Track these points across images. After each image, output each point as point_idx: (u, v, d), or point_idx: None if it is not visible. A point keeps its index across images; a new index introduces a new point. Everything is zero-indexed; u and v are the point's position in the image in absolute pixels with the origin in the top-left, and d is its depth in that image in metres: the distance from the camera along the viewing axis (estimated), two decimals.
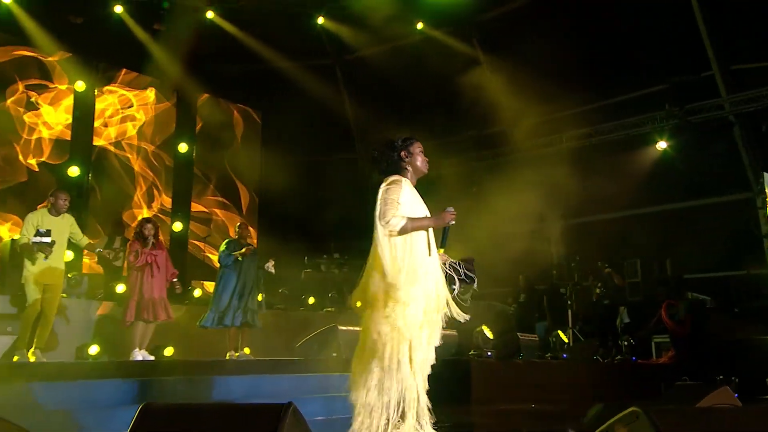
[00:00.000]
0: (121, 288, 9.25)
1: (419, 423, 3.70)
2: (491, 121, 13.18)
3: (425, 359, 3.82)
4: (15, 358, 6.49)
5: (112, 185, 12.32)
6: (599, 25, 11.69)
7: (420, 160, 3.97)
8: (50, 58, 11.49)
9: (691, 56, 11.32)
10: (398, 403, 3.66)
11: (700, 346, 10.30)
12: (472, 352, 8.68)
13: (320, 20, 13.08)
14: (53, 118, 11.67)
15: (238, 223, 8.91)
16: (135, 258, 7.39)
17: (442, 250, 3.97)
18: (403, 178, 3.82)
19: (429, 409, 3.80)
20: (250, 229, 9.01)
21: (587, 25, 11.71)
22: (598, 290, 10.80)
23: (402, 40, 13.27)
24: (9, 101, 11.02)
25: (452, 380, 7.68)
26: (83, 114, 11.99)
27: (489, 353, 8.41)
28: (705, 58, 11.22)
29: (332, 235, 13.28)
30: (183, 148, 13.34)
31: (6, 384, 5.09)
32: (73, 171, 11.58)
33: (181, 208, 13.12)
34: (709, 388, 5.71)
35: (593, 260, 11.35)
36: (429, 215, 3.91)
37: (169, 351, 8.86)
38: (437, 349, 7.63)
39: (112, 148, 12.48)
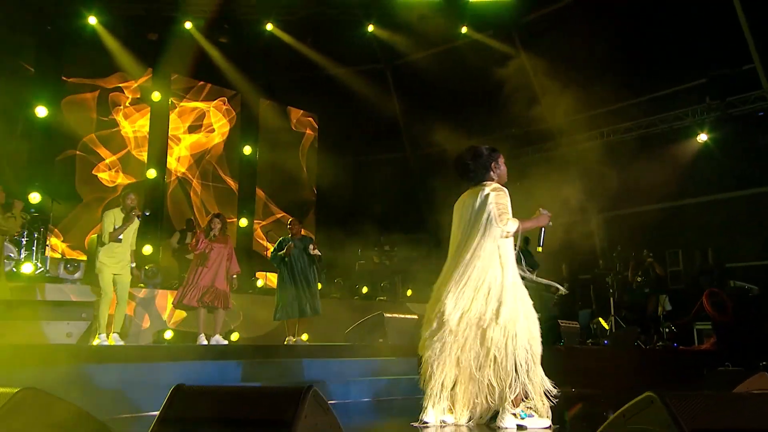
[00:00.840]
0: None
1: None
2: (535, 118, 12.97)
3: None
4: (94, 342, 6.62)
5: (182, 190, 12.76)
6: (639, 20, 11.41)
7: (504, 170, 4.17)
8: (131, 82, 12.00)
9: (731, 49, 10.88)
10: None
11: (742, 333, 9.91)
12: None
13: (370, 28, 13.12)
14: (131, 131, 12.18)
15: (290, 220, 8.95)
16: (195, 244, 7.46)
17: (540, 249, 4.20)
18: (503, 187, 4.06)
19: None
20: (299, 225, 9.11)
21: (627, 21, 11.43)
22: (639, 278, 10.51)
23: (448, 44, 13.29)
24: (94, 132, 11.56)
25: None
26: (159, 124, 12.43)
27: None
28: (746, 51, 10.73)
29: (382, 229, 13.30)
30: (247, 150, 13.71)
31: (88, 365, 5.22)
32: (151, 173, 11.99)
33: (246, 206, 13.50)
34: (748, 373, 5.89)
35: (637, 250, 11.13)
36: None
37: (234, 336, 9.01)
38: None
39: (181, 166, 12.93)
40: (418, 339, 4.17)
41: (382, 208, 13.34)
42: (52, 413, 2.83)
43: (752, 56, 10.73)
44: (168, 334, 8.52)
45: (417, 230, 13.38)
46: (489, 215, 3.90)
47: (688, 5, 10.80)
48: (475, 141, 14.15)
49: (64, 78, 11.17)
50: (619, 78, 11.54)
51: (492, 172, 4.10)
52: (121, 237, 6.96)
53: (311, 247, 8.29)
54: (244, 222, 13.14)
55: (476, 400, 3.95)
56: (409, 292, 12.36)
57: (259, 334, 9.53)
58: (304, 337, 8.45)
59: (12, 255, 8.59)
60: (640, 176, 11.18)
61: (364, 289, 12.10)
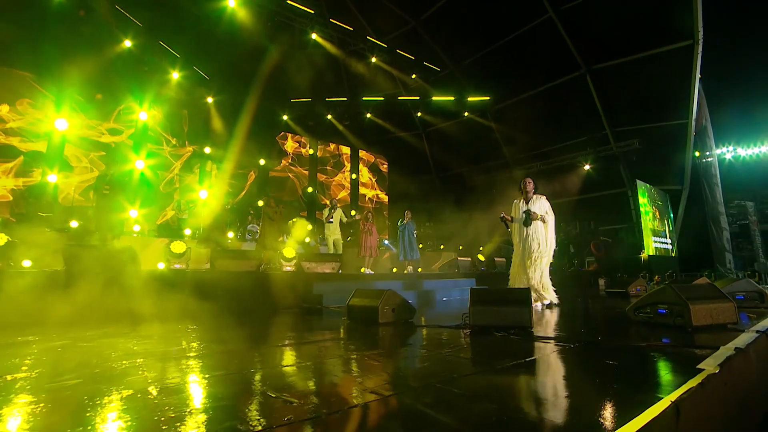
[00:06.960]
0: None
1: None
2: (500, 156, 13.57)
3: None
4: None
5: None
6: (553, 109, 11.86)
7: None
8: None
9: (597, 123, 11.53)
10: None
11: (607, 261, 10.89)
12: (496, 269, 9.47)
13: (419, 114, 13.81)
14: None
15: (405, 211, 8.87)
16: (362, 225, 8.11)
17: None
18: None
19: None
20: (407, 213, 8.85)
21: (548, 108, 11.90)
22: (560, 236, 11.61)
23: (457, 119, 13.71)
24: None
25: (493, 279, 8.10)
26: (311, 164, 13.12)
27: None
28: (602, 125, 11.53)
29: (425, 216, 13.58)
30: (353, 176, 14.23)
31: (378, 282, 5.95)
32: (309, 190, 13.06)
33: (355, 206, 13.92)
34: (633, 278, 6.43)
35: (557, 223, 11.83)
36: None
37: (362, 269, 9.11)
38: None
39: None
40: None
41: (423, 206, 13.40)
42: (396, 299, 3.54)
43: (605, 127, 11.55)
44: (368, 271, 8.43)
45: (441, 216, 13.42)
46: (548, 212, 4.63)
47: (577, 107, 11.64)
48: (471, 170, 14.89)
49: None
50: (544, 136, 12.31)
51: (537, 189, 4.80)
52: (332, 220, 7.80)
53: (414, 230, 8.52)
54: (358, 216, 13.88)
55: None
56: (441, 247, 12.70)
57: (380, 268, 9.34)
58: (414, 270, 8.43)
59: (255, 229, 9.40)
60: (557, 186, 11.77)
61: (420, 245, 11.72)
